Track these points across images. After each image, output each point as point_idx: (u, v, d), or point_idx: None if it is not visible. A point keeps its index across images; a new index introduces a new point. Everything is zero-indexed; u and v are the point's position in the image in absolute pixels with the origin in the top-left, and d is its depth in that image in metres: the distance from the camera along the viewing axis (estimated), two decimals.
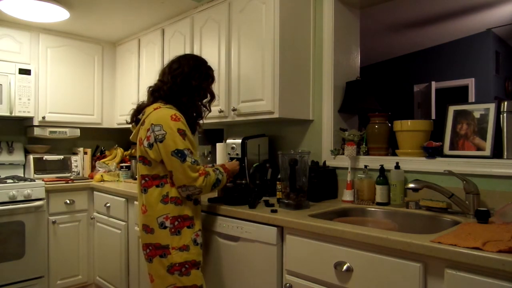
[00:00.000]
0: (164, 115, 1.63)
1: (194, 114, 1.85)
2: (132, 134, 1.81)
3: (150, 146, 1.62)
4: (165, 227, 1.63)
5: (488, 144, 1.70)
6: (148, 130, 1.63)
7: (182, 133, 1.62)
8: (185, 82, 1.75)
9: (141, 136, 1.69)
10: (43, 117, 3.18)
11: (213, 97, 1.92)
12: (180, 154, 1.58)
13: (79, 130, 3.45)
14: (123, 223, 2.70)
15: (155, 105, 1.70)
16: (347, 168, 2.09)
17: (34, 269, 2.80)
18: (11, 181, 2.86)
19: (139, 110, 1.77)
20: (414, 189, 1.63)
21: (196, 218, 1.72)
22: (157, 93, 1.77)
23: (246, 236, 1.78)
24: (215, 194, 2.10)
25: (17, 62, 3.04)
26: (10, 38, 3.03)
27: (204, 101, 1.90)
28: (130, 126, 1.85)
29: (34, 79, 3.11)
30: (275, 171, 2.22)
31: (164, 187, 1.65)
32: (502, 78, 5.79)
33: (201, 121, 1.94)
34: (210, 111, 1.95)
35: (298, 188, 1.86)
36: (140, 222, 1.72)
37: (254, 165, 2.21)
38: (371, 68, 6.33)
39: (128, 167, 3.30)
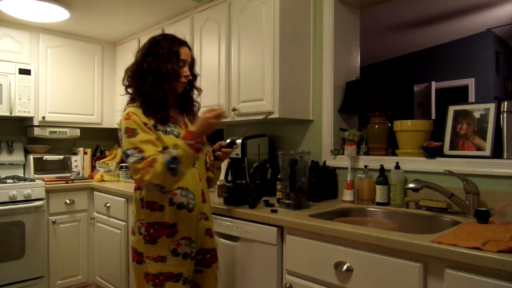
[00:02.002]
0: (122, 118, 1.50)
1: (155, 103, 1.51)
2: None
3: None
4: (141, 234, 1.52)
5: (488, 144, 1.70)
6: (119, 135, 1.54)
7: (130, 131, 1.44)
8: (139, 68, 1.54)
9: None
10: (43, 117, 3.18)
11: (175, 76, 1.54)
12: (126, 156, 1.43)
13: (79, 130, 3.45)
14: (123, 223, 2.70)
15: (126, 105, 1.58)
16: (347, 168, 2.09)
17: (34, 269, 2.80)
18: (11, 181, 2.86)
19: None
20: (414, 189, 1.63)
21: (179, 225, 1.52)
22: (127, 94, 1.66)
23: (246, 236, 1.78)
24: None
25: (17, 62, 3.04)
26: (10, 38, 3.03)
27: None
28: None
29: (34, 79, 3.10)
30: (275, 171, 2.22)
31: (142, 190, 1.54)
32: (502, 78, 5.79)
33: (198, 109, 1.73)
34: (200, 90, 1.70)
35: (298, 188, 1.86)
36: None
37: (254, 165, 2.21)
38: (371, 68, 6.33)
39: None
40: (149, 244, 1.51)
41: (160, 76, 1.51)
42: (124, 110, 1.54)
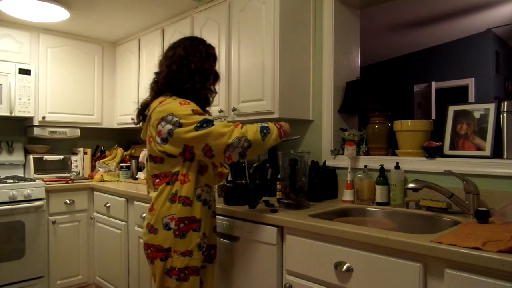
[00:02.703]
0: (171, 105, 1.52)
1: (202, 101, 1.66)
2: (142, 132, 1.71)
3: (165, 140, 1.50)
4: (169, 229, 1.53)
5: (488, 144, 1.70)
6: (158, 125, 1.51)
7: (197, 112, 1.51)
8: (183, 67, 1.61)
9: (150, 133, 1.59)
10: (43, 117, 3.18)
11: (217, 77, 1.74)
12: (205, 124, 1.46)
13: (79, 130, 3.45)
14: (123, 223, 2.70)
15: (160, 99, 1.59)
16: (347, 168, 2.09)
17: (34, 269, 2.80)
18: (11, 181, 2.86)
19: (144, 107, 1.67)
20: (414, 189, 1.63)
21: (203, 221, 1.60)
22: (155, 86, 1.68)
23: (246, 236, 1.78)
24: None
25: (17, 62, 3.04)
26: (10, 38, 3.03)
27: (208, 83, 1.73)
28: (134, 125, 1.75)
29: (34, 79, 3.10)
30: (275, 171, 2.22)
31: (174, 184, 1.54)
32: (502, 78, 5.79)
33: (208, 108, 1.79)
34: (216, 92, 1.78)
35: (298, 188, 1.86)
36: (145, 220, 1.64)
37: (254, 165, 2.21)
38: (371, 68, 6.33)
39: (128, 167, 3.30)
40: (179, 239, 1.53)
41: (204, 77, 1.65)
42: (160, 102, 1.55)
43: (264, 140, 1.53)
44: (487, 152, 1.70)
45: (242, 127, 1.50)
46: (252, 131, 1.50)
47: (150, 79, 1.73)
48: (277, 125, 1.62)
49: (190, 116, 1.48)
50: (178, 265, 1.53)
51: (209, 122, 1.47)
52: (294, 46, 2.24)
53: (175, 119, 1.48)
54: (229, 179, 2.36)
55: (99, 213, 3.01)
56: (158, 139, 1.53)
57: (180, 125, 1.47)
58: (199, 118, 1.48)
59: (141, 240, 2.50)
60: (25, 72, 3.05)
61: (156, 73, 1.70)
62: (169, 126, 1.49)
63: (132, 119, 3.18)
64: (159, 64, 1.71)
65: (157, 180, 1.58)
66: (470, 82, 5.57)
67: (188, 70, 1.61)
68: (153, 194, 1.59)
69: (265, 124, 1.58)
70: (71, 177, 3.29)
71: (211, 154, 1.48)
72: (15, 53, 3.06)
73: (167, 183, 1.55)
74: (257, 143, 1.51)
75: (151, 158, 1.59)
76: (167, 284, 1.56)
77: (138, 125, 1.71)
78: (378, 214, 1.88)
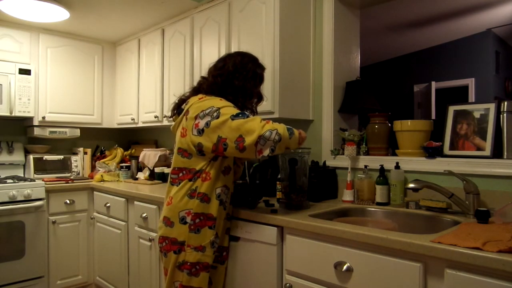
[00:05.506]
0: (211, 101, 1.62)
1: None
2: (173, 125, 1.78)
3: (201, 132, 1.58)
4: (185, 223, 1.60)
5: (488, 144, 1.70)
6: (196, 117, 1.59)
7: (235, 107, 1.61)
8: (227, 82, 1.70)
9: (185, 126, 1.64)
10: (43, 117, 3.18)
11: (260, 98, 1.83)
12: (241, 115, 1.55)
13: (79, 130, 3.45)
14: (123, 223, 2.70)
15: (199, 96, 1.68)
16: (347, 168, 2.09)
17: (34, 269, 2.80)
18: (11, 181, 2.86)
19: (181, 101, 1.75)
20: (414, 189, 1.63)
21: (219, 220, 1.67)
22: (197, 87, 1.77)
23: (246, 236, 1.78)
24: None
25: (17, 62, 3.04)
26: (10, 38, 3.03)
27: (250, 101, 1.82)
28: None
29: (34, 79, 3.10)
30: (275, 171, 2.22)
31: (196, 181, 1.62)
32: (502, 78, 5.79)
33: None
34: (256, 113, 1.85)
35: (298, 188, 1.86)
36: (162, 214, 1.71)
37: (254, 165, 2.21)
38: (371, 68, 6.33)
39: (128, 167, 3.30)
40: (193, 233, 1.60)
41: (246, 95, 1.74)
42: (200, 98, 1.66)
43: (291, 139, 1.58)
44: (487, 152, 1.70)
45: (273, 123, 1.57)
46: (281, 127, 1.55)
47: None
48: (298, 131, 1.67)
49: (228, 108, 1.57)
50: (191, 260, 1.59)
51: (244, 114, 1.56)
52: (294, 46, 2.24)
53: (214, 109, 1.57)
54: None
55: (99, 213, 3.01)
56: (194, 131, 1.60)
57: (218, 116, 1.55)
58: (236, 110, 1.58)
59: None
60: (25, 72, 3.05)
61: (203, 78, 1.79)
62: (207, 118, 1.57)
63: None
64: (208, 71, 1.79)
65: (180, 174, 1.65)
66: (470, 82, 5.58)
67: (231, 86, 1.70)
68: (172, 188, 1.67)
69: (289, 127, 1.62)
70: (71, 177, 3.29)
71: (243, 146, 1.52)
72: (15, 53, 3.06)
73: (189, 180, 1.63)
74: (285, 139, 1.55)
75: (180, 151, 1.66)
76: (178, 278, 1.61)
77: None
78: (378, 214, 1.88)
